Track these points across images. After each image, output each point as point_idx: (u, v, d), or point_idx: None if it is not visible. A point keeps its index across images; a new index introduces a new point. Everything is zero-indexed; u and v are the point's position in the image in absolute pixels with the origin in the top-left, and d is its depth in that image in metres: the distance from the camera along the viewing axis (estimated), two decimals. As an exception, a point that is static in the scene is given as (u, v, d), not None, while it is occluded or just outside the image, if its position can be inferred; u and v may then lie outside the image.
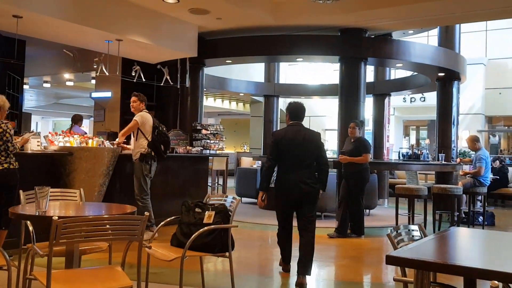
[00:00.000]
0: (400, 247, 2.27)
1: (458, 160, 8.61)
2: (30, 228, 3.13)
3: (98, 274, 2.73)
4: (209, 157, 8.75)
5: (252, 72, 15.28)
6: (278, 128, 13.28)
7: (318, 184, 4.35)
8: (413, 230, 2.61)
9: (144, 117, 5.90)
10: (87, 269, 3.01)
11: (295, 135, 4.38)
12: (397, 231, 2.52)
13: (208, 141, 8.91)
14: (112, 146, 5.92)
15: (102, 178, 5.71)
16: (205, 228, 3.30)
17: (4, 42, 8.40)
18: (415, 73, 11.18)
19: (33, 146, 5.31)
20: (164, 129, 6.15)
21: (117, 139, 6.11)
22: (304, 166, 4.30)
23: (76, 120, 8.84)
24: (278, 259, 4.85)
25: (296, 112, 4.52)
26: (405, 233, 2.55)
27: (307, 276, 4.23)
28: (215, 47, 9.09)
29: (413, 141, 20.30)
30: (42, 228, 2.97)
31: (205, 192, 7.69)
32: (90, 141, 5.89)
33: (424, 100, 16.58)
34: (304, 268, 4.22)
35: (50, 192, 2.99)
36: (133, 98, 6.09)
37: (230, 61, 10.06)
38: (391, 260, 1.89)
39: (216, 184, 11.20)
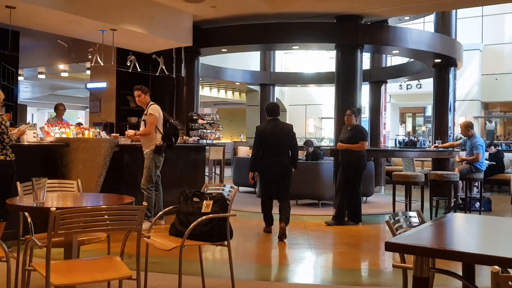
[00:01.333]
0: (399, 234, 2.28)
1: (432, 146, 8.39)
2: (28, 219, 3.12)
3: (97, 264, 2.73)
4: (206, 147, 8.73)
5: (247, 61, 15.22)
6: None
7: (291, 164, 5.67)
8: (411, 217, 2.61)
9: (158, 111, 5.97)
10: (86, 260, 3.01)
11: (273, 127, 5.67)
12: (395, 218, 2.52)
13: (205, 130, 8.89)
14: (108, 137, 5.90)
15: (99, 169, 5.70)
16: (204, 217, 3.30)
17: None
18: (411, 60, 11.16)
19: (29, 137, 5.28)
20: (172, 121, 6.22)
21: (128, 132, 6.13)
22: (281, 151, 5.62)
23: (55, 109, 8.61)
24: (277, 248, 5.23)
25: (272, 110, 5.85)
26: (403, 220, 2.55)
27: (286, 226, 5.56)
28: (210, 36, 9.03)
29: (409, 128, 20.34)
30: (40, 219, 2.96)
31: (202, 181, 7.68)
32: (86, 132, 5.87)
33: (420, 87, 16.58)
34: (285, 220, 5.57)
35: (48, 183, 2.97)
36: (136, 93, 6.04)
37: (226, 50, 10.01)
38: (390, 247, 1.90)
39: (213, 173, 11.20)
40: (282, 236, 5.43)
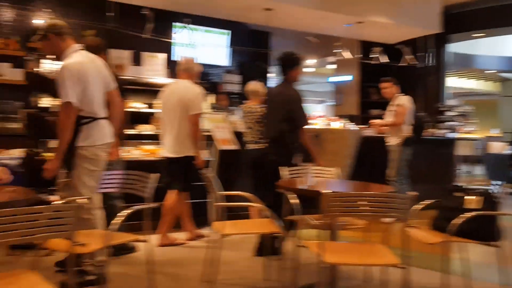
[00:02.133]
0: None
1: None
2: (295, 201, 3.34)
3: (362, 249, 2.76)
4: (455, 141, 8.06)
5: (501, 45, 13.36)
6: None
7: None
8: None
9: (410, 102, 5.87)
10: (351, 243, 3.09)
11: None
12: None
13: (454, 123, 8.21)
14: (357, 128, 5.99)
15: (346, 159, 5.83)
16: (472, 213, 3.02)
17: (252, 34, 9.33)
18: None
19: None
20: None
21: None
22: None
23: None
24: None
25: None
26: None
27: None
28: (461, 20, 8.29)
29: None
30: (304, 202, 3.13)
31: (450, 177, 7.11)
32: (333, 123, 6.09)
33: None
34: None
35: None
36: (386, 84, 5.99)
37: (480, 35, 9.02)
38: None
39: (462, 170, 10.29)
40: None
